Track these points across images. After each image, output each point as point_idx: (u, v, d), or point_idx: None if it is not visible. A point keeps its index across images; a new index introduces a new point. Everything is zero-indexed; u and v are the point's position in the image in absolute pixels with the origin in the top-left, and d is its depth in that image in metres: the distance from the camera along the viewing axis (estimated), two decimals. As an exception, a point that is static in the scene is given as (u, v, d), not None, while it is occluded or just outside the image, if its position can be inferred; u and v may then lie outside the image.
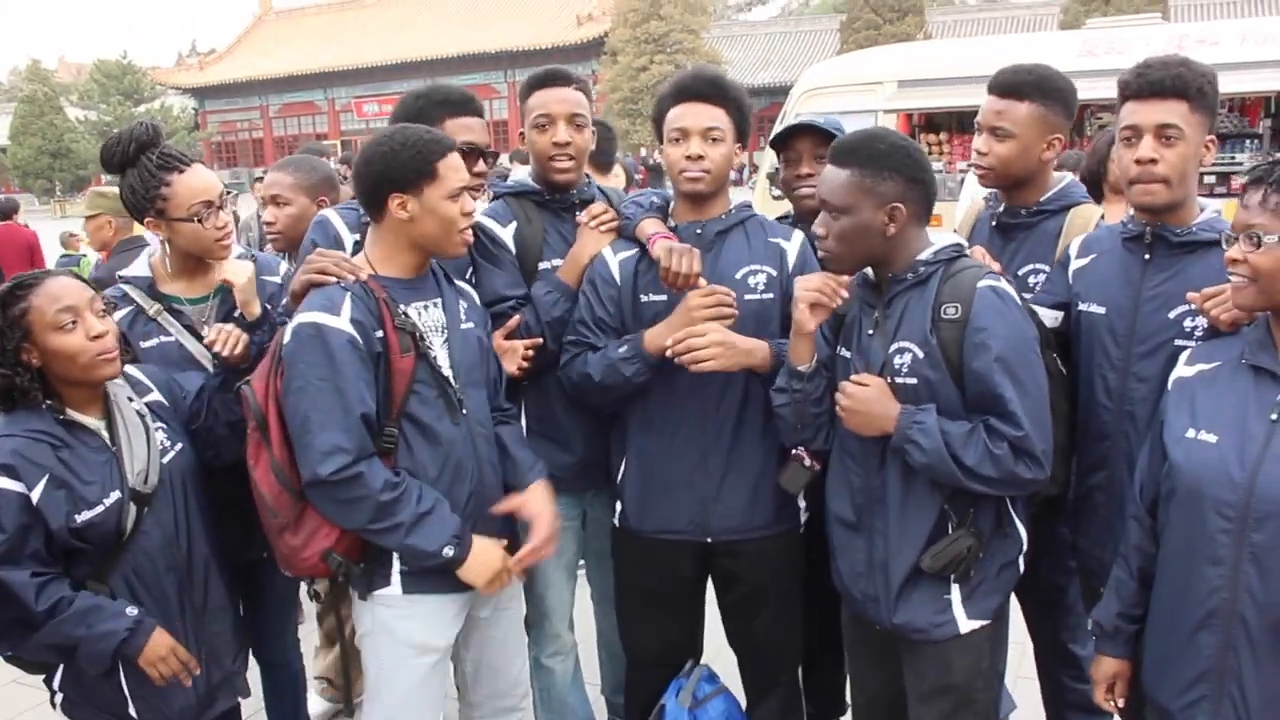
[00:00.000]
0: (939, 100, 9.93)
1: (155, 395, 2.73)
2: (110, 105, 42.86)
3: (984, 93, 2.99)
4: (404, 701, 2.72)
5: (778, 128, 2.80)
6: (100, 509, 2.48)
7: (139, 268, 3.01)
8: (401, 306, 2.62)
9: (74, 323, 2.47)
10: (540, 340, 3.00)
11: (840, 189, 2.49)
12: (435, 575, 2.64)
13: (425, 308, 2.69)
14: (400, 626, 2.68)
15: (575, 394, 3.05)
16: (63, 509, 2.43)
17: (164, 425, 2.69)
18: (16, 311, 2.46)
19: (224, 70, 43.45)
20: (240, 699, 2.92)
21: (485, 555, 2.65)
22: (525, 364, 2.99)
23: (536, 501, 2.79)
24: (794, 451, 2.84)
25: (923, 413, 2.44)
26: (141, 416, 2.63)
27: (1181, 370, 2.32)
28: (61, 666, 2.59)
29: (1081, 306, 2.72)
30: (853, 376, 2.55)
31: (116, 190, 3.17)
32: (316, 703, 3.99)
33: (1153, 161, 2.49)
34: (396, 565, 2.65)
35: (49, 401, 2.51)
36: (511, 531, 2.80)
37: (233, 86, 42.34)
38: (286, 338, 2.56)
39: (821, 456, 2.79)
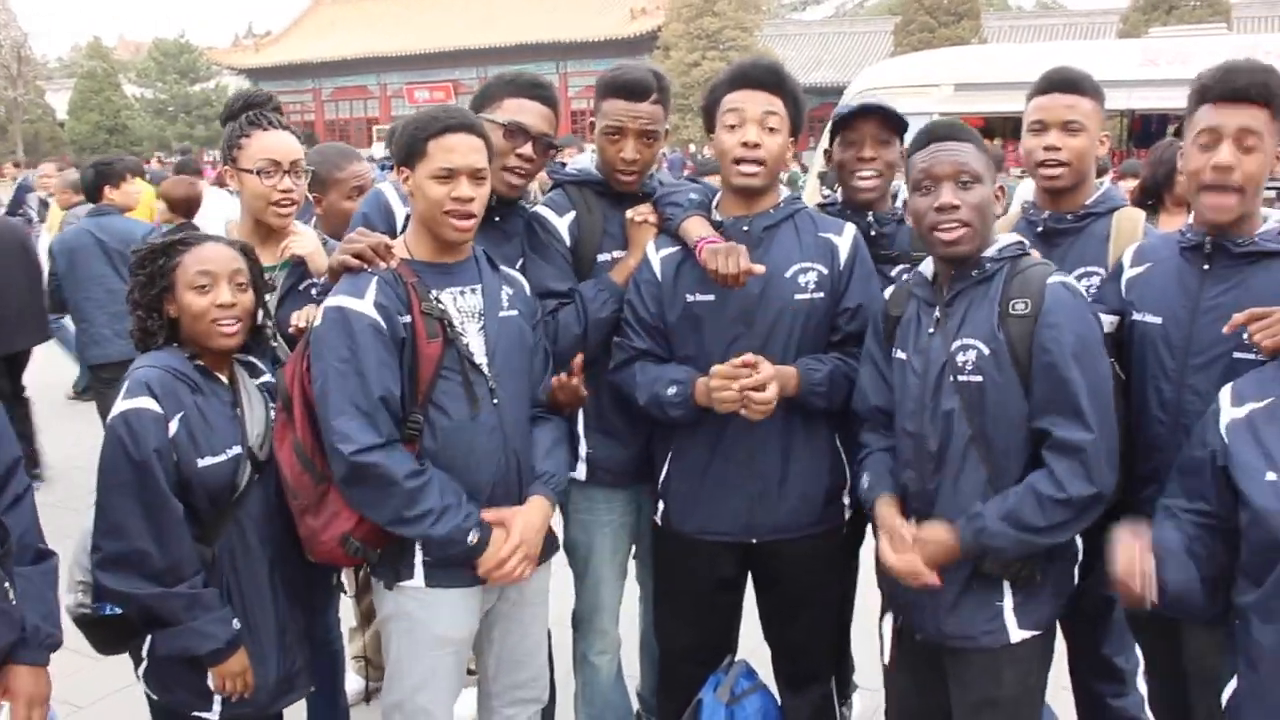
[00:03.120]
0: (996, 105, 9.77)
1: (267, 377, 2.79)
2: (166, 84, 43.39)
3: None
4: (421, 687, 2.72)
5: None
6: (223, 458, 2.56)
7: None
8: (434, 292, 2.61)
9: (208, 286, 2.58)
10: (578, 376, 2.91)
11: (975, 158, 2.51)
12: (457, 568, 2.64)
13: (462, 293, 2.68)
14: (421, 617, 2.68)
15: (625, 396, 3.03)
16: (190, 449, 2.50)
17: (274, 405, 2.73)
18: (168, 265, 2.61)
19: (279, 52, 43.86)
20: (311, 689, 2.92)
21: (496, 544, 2.63)
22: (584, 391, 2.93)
23: (517, 515, 2.69)
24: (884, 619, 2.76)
25: (977, 517, 2.42)
26: (261, 390, 2.72)
27: (1231, 413, 2.23)
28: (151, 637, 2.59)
29: (1136, 316, 2.67)
30: (884, 545, 2.52)
31: None
32: (353, 680, 4.00)
33: (1229, 169, 2.43)
34: (419, 556, 2.64)
35: (185, 347, 2.62)
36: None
37: (287, 69, 42.70)
38: (317, 320, 2.60)
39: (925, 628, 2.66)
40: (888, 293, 2.77)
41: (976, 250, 2.51)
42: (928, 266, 2.64)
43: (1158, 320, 2.61)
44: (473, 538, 2.57)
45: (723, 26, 34.47)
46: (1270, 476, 2.10)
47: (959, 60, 10.77)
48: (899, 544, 2.52)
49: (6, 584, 2.22)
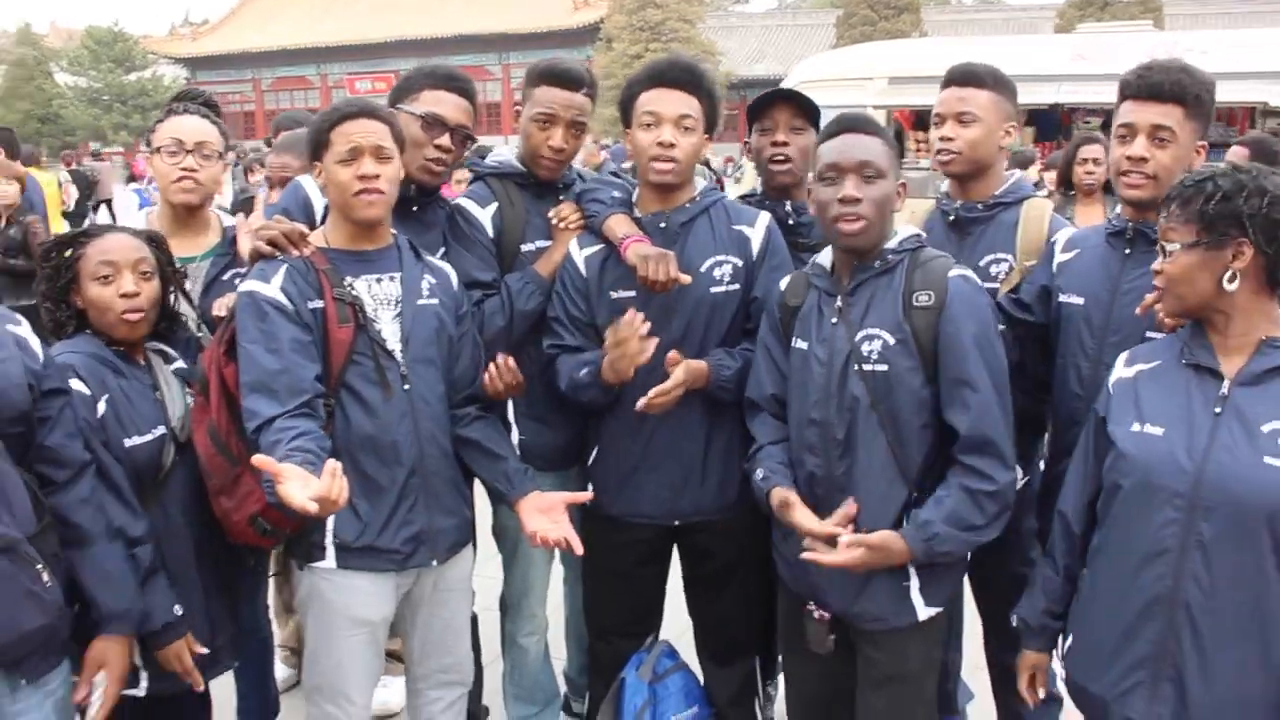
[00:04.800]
0: (929, 98, 9.91)
1: (180, 363, 2.82)
2: (100, 72, 42.62)
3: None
4: (338, 667, 2.77)
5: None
6: (149, 437, 2.64)
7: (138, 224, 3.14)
8: (348, 279, 2.67)
9: (110, 276, 2.62)
10: (513, 370, 2.96)
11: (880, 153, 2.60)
12: (369, 552, 2.69)
13: (379, 280, 2.73)
14: (335, 599, 2.72)
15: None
16: (118, 429, 2.58)
17: (189, 391, 2.77)
18: (71, 257, 2.67)
19: (217, 41, 43.30)
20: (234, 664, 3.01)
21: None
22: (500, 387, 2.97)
23: (540, 501, 2.82)
24: (806, 608, 2.78)
25: (926, 526, 2.51)
26: (177, 376, 2.77)
27: (1121, 372, 2.40)
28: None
29: (1061, 298, 2.81)
30: (818, 549, 2.56)
31: None
32: (280, 669, 4.03)
33: (1143, 160, 2.59)
34: (330, 538, 2.68)
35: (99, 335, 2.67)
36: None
37: (225, 58, 42.21)
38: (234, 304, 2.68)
39: (830, 608, 2.74)
40: (783, 283, 2.84)
41: (876, 242, 2.60)
42: (826, 256, 2.73)
43: (1080, 301, 2.76)
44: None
45: (665, 18, 34.56)
46: (1135, 427, 2.27)
47: (893, 53, 10.93)
48: (824, 545, 2.56)
49: (40, 566, 2.24)
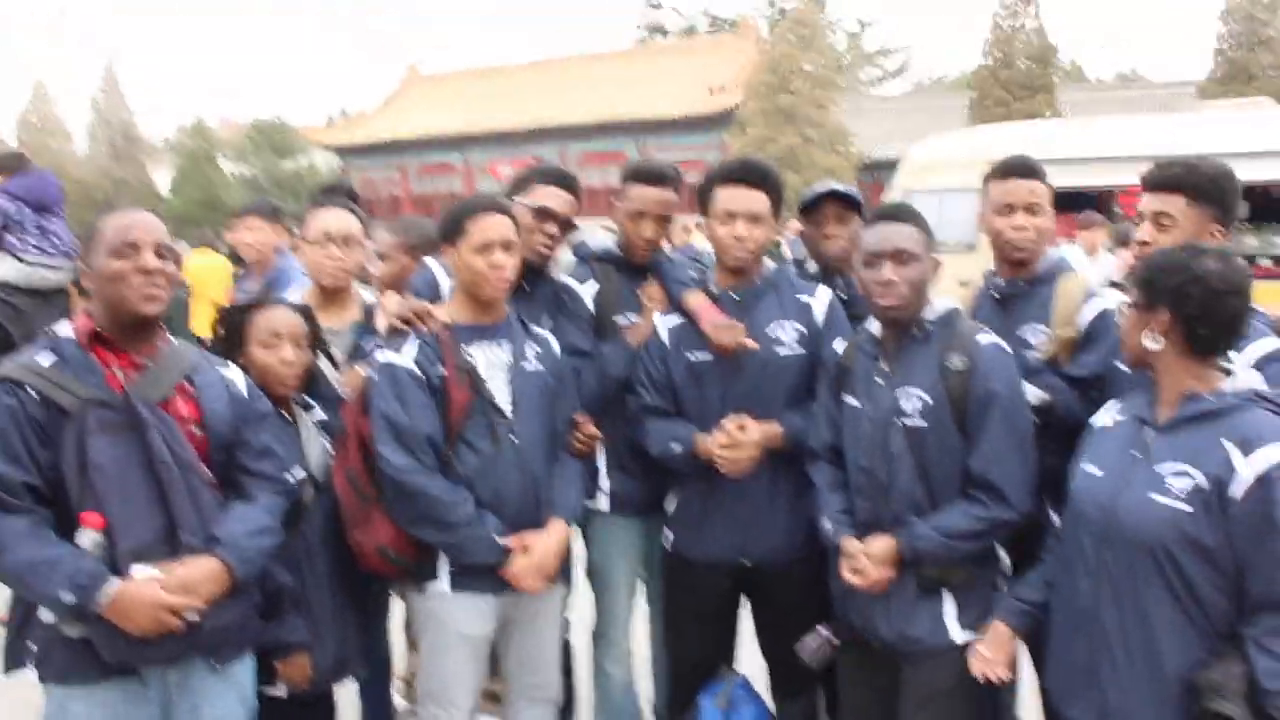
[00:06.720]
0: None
1: (321, 415, 3.35)
2: (260, 161, 45.13)
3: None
4: (447, 676, 3.22)
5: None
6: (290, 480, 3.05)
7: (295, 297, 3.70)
8: (466, 348, 3.14)
9: (272, 345, 3.16)
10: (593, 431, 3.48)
11: (913, 239, 2.97)
12: (477, 576, 3.13)
13: (493, 347, 3.20)
14: (444, 617, 3.19)
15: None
16: None
17: (328, 439, 3.29)
18: (241, 322, 3.21)
19: (369, 131, 45.33)
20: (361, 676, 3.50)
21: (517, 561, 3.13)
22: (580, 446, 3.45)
23: (538, 539, 3.17)
24: (818, 628, 3.21)
25: (910, 525, 2.92)
26: (316, 426, 3.28)
27: (1102, 417, 2.75)
28: None
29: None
30: (845, 562, 3.01)
31: None
32: (397, 701, 4.46)
33: (1145, 244, 3.00)
34: (445, 565, 3.15)
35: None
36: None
37: (375, 146, 44.09)
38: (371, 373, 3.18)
39: (842, 631, 3.16)
40: (838, 345, 3.23)
41: (912, 315, 2.99)
42: (874, 325, 3.10)
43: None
44: (495, 555, 3.10)
45: (798, 103, 35.04)
46: (1087, 466, 2.64)
47: (1001, 137, 11.21)
48: (860, 566, 2.98)
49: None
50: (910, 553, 2.92)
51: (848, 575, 2.99)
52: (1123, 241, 8.43)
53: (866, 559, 2.95)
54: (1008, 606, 2.89)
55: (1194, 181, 2.95)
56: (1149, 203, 3.02)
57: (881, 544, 2.95)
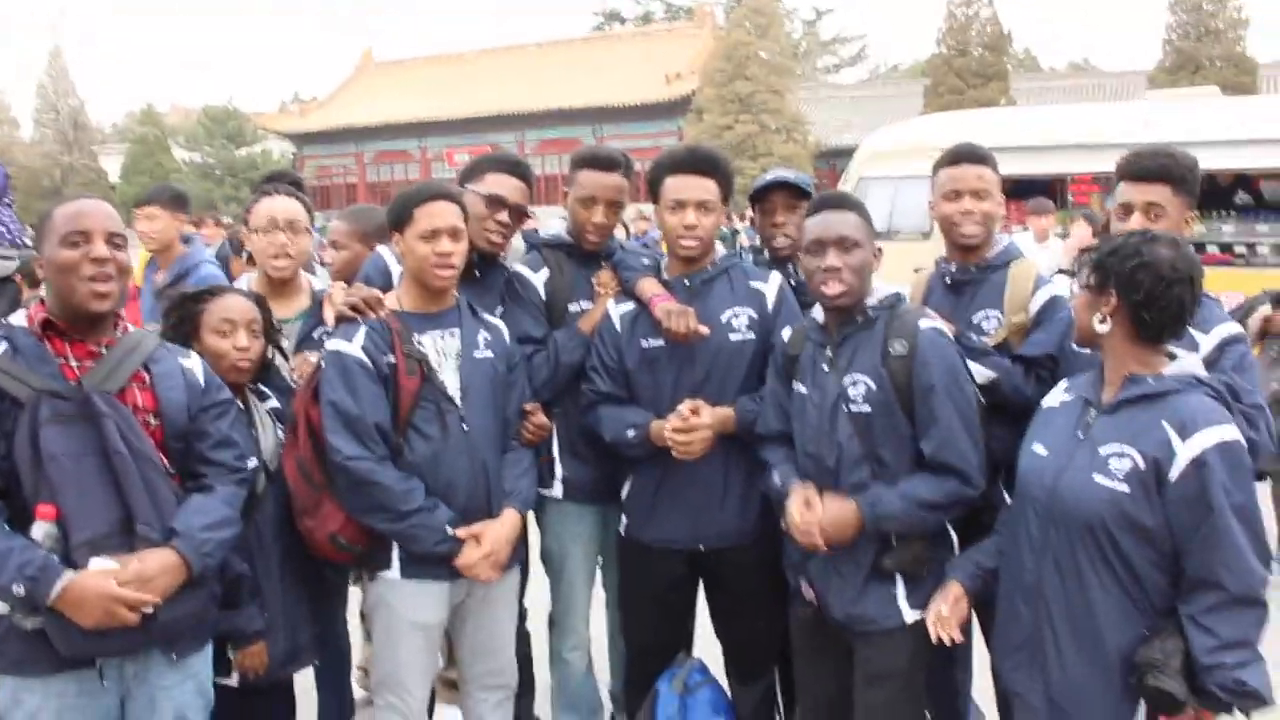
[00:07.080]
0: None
1: (274, 402, 3.34)
2: (214, 148, 44.63)
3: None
4: (401, 665, 3.23)
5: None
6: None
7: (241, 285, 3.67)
8: (416, 335, 3.15)
9: (227, 332, 3.15)
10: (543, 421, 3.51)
11: (856, 226, 3.00)
12: (428, 564, 3.14)
13: (443, 336, 3.21)
14: (396, 604, 3.20)
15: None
16: None
17: (281, 428, 3.28)
18: (194, 311, 3.19)
19: (323, 117, 44.99)
20: (314, 663, 3.48)
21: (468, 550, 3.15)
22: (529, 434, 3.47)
23: (488, 527, 3.20)
24: (801, 591, 3.23)
25: (873, 494, 2.94)
26: (270, 415, 3.26)
27: (1050, 398, 2.81)
28: None
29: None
30: (791, 508, 3.01)
31: None
32: (356, 690, 4.46)
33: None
34: (396, 552, 3.16)
35: None
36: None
37: (330, 133, 43.78)
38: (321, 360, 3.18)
39: (832, 614, 3.15)
40: (785, 334, 3.27)
41: (855, 302, 3.03)
42: (819, 312, 3.14)
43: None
44: (447, 545, 3.11)
45: (754, 90, 35.11)
46: (1034, 446, 2.70)
47: (955, 125, 11.28)
48: (809, 508, 2.98)
49: None
50: (870, 513, 2.93)
51: (795, 513, 2.99)
52: (1104, 228, 8.52)
53: (816, 517, 2.96)
54: (963, 567, 2.95)
55: (1178, 171, 3.01)
56: (1136, 193, 3.03)
57: (839, 506, 2.96)
